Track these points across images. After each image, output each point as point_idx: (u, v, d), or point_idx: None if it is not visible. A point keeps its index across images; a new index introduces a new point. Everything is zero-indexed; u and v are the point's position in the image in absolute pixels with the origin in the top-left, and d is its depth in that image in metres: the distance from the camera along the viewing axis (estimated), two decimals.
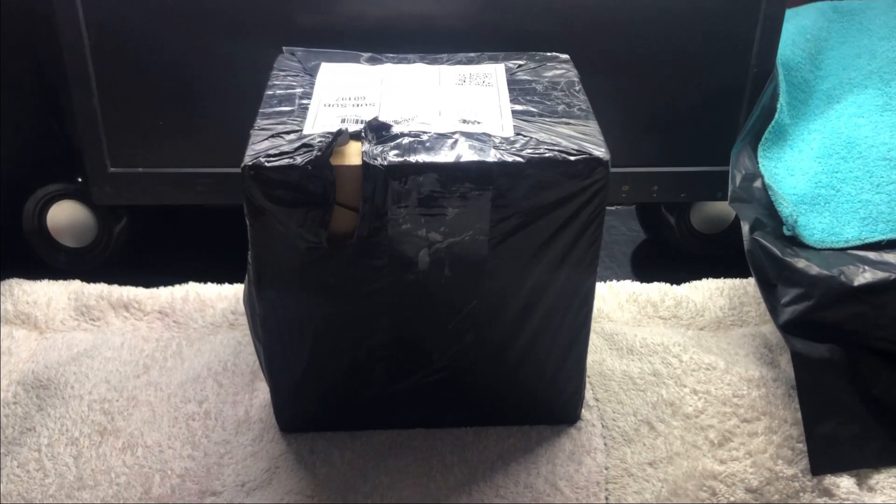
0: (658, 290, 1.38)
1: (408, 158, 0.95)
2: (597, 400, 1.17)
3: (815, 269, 1.12)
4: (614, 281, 1.42)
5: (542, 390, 1.13)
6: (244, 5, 1.25)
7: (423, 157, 0.95)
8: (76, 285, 1.39)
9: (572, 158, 0.96)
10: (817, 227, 1.21)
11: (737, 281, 1.39)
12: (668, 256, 1.54)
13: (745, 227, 1.20)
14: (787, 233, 1.19)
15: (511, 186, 0.96)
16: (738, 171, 1.29)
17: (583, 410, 1.16)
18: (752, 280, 1.38)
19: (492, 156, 0.95)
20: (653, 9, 1.28)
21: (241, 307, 1.34)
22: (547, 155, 0.96)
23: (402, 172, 0.95)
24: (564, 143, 0.98)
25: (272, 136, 0.98)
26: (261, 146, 0.96)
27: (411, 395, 1.12)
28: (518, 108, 1.05)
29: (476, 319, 1.05)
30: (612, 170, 0.97)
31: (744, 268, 1.40)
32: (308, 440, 1.13)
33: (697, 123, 1.37)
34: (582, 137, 0.99)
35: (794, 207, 1.21)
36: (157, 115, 1.32)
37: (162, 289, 1.39)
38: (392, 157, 0.95)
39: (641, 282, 1.42)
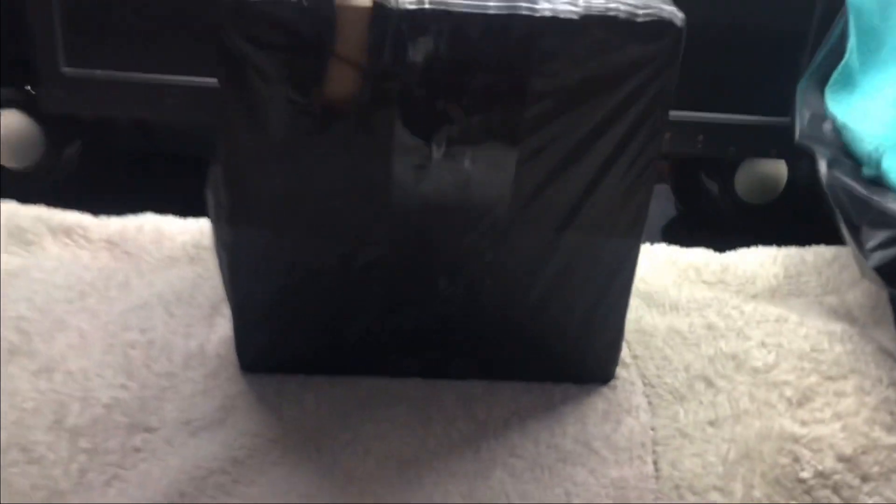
0: (701, 255, 1.17)
1: (431, 4, 0.75)
2: (635, 357, 0.95)
3: None
4: (647, 244, 1.21)
5: (570, 336, 0.91)
6: None
7: (451, 4, 0.75)
8: (10, 206, 1.16)
9: (638, 18, 0.76)
10: None
11: (792, 249, 1.18)
12: (709, 229, 1.33)
13: (822, 164, 1.01)
14: (868, 173, 1.00)
15: (559, 49, 0.76)
16: (805, 110, 1.10)
17: (618, 369, 0.94)
18: (811, 249, 1.17)
19: (540, 5, 0.75)
20: None
21: (206, 241, 1.12)
22: (609, 10, 0.76)
23: (423, 20, 0.74)
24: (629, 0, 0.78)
25: None
26: None
27: (409, 333, 0.90)
28: None
29: (498, 234, 0.84)
30: None
31: (800, 238, 1.20)
32: (275, 382, 0.90)
33: (754, 66, 1.19)
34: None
35: (874, 149, 1.01)
36: (124, 5, 1.12)
37: (114, 218, 1.17)
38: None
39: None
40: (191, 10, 1.10)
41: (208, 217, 0.87)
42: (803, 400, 0.85)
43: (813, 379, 0.87)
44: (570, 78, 0.76)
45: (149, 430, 0.82)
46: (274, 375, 0.91)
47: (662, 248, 1.19)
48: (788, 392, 0.85)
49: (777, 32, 1.17)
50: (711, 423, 0.83)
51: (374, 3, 0.74)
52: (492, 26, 0.74)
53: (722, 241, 1.25)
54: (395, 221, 0.83)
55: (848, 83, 1.15)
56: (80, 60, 1.14)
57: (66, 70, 1.14)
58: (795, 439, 0.80)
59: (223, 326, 0.97)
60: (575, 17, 0.75)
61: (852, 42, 1.17)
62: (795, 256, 1.17)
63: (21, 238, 1.11)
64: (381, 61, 0.74)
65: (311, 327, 0.90)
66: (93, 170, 1.30)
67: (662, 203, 1.46)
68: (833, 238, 1.20)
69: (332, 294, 0.87)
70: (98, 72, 1.15)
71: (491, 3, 0.75)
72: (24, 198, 1.20)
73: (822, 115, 1.09)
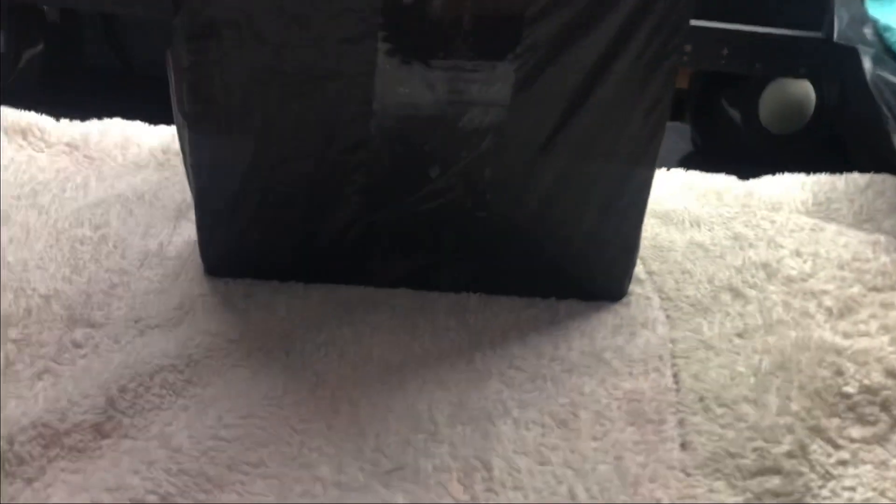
0: (722, 181, 1.06)
1: None
2: (650, 273, 0.84)
3: None
4: (662, 169, 1.09)
5: (577, 245, 0.80)
6: None
7: None
8: None
9: None
10: None
11: (822, 176, 1.07)
12: (731, 163, 1.21)
13: (867, 62, 0.91)
14: None
15: None
16: (844, 12, 1.00)
17: (631, 286, 0.83)
18: (842, 176, 1.06)
19: None
20: None
21: (176, 146, 1.01)
22: None
23: None
24: None
25: None
26: None
27: (396, 232, 0.79)
28: None
29: (499, 119, 0.73)
30: None
31: (830, 165, 1.09)
32: (242, 286, 0.79)
33: None
34: None
35: None
36: None
37: (76, 122, 1.06)
38: None
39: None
40: None
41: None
42: (845, 311, 0.74)
43: (856, 289, 0.76)
44: None
45: (92, 325, 0.71)
46: (242, 280, 0.80)
47: (679, 172, 1.08)
48: (828, 302, 0.74)
49: None
50: (740, 335, 0.72)
51: None
52: None
53: (745, 173, 1.14)
54: (383, 90, 0.72)
55: None
56: None
57: None
58: (838, 351, 0.69)
59: (188, 230, 0.86)
60: None
61: None
62: (826, 183, 1.05)
63: None
64: None
65: (284, 224, 0.79)
66: (56, 78, 1.19)
67: (680, 140, 1.34)
68: (865, 169, 1.09)
69: (306, 185, 0.76)
70: None
71: None
72: None
73: (862, 18, 0.99)
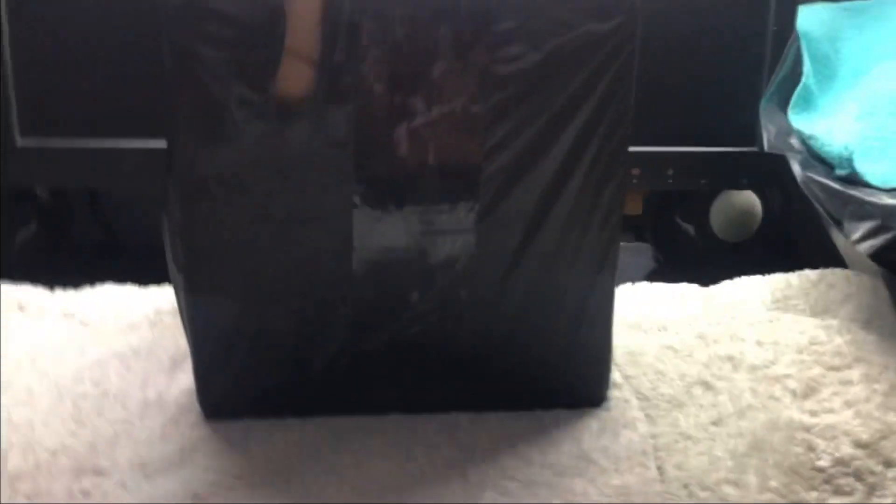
0: (685, 289, 1.12)
1: None
2: (626, 377, 0.89)
3: (887, 200, 0.90)
4: (629, 283, 1.16)
5: (554, 354, 0.85)
6: None
7: None
8: None
9: None
10: (877, 171, 1.00)
11: (777, 275, 1.14)
12: (692, 274, 1.29)
13: (796, 166, 0.99)
14: (841, 172, 0.98)
15: (514, 32, 0.74)
16: (770, 126, 1.10)
17: (609, 391, 0.87)
18: (795, 273, 1.13)
19: None
20: None
21: (168, 307, 1.06)
22: None
23: (375, 9, 0.73)
24: None
25: None
26: None
27: (383, 359, 0.83)
28: None
29: (470, 238, 0.80)
30: None
31: (783, 265, 1.17)
32: (241, 425, 0.82)
33: (715, 95, 1.19)
34: None
35: (843, 147, 1.00)
36: (77, 71, 1.11)
37: (70, 290, 1.11)
38: None
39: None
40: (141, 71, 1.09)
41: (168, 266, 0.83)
42: (808, 391, 0.78)
43: (816, 371, 0.81)
44: (530, 61, 0.74)
45: (99, 473, 0.74)
46: (240, 420, 0.83)
47: (645, 285, 1.15)
48: (792, 385, 0.79)
49: (734, 57, 1.18)
50: (715, 423, 0.77)
51: None
52: (447, 10, 0.73)
53: (705, 280, 1.21)
54: (362, 228, 0.78)
55: (809, 104, 1.15)
56: (35, 130, 1.12)
57: (23, 144, 1.12)
58: (806, 428, 0.74)
59: (184, 380, 0.90)
60: None
61: (808, 67, 1.18)
62: (781, 281, 1.13)
63: None
64: (336, 53, 0.72)
65: (277, 363, 0.83)
66: (49, 253, 1.25)
67: (642, 259, 1.42)
68: (816, 265, 1.17)
69: (295, 324, 0.82)
70: (55, 141, 1.12)
71: None
72: None
73: (787, 131, 1.09)
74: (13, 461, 0.73)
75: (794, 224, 1.22)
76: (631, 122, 0.78)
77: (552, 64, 0.75)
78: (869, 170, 1.00)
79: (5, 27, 1.08)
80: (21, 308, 1.07)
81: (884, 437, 0.73)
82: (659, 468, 0.73)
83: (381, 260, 0.80)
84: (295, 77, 0.73)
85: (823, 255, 1.14)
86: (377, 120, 0.75)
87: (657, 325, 0.98)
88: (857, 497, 0.69)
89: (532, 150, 0.77)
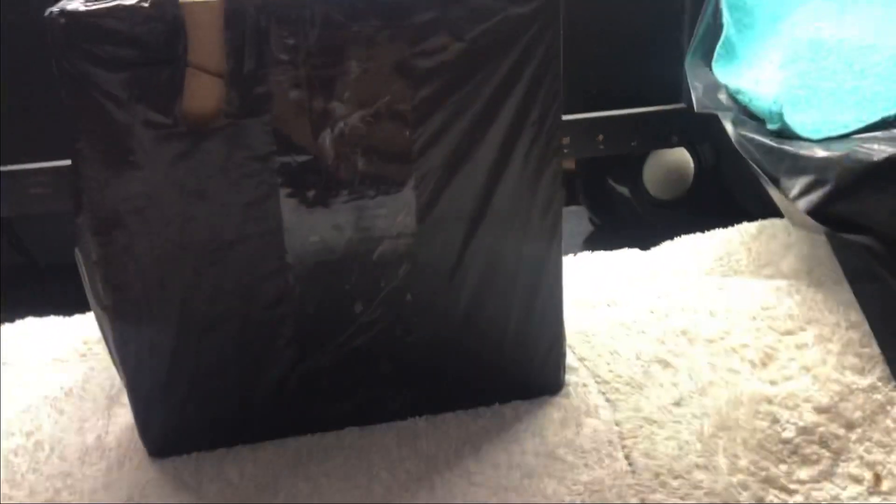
0: (627, 254, 1.11)
1: None
2: (581, 359, 0.87)
3: (821, 153, 0.89)
4: (570, 255, 1.14)
5: (507, 347, 0.82)
6: None
7: None
8: None
9: None
10: (807, 121, 0.99)
11: (717, 231, 1.14)
12: (629, 236, 1.28)
13: (728, 125, 0.98)
14: (772, 127, 0.97)
15: (434, 23, 0.70)
16: (697, 83, 1.08)
17: (566, 376, 0.86)
18: (734, 228, 1.13)
19: None
20: None
21: (97, 335, 1.00)
22: None
23: (282, 11, 0.68)
24: None
25: None
26: None
27: (333, 375, 0.80)
28: None
29: (409, 241, 0.76)
30: None
31: (721, 220, 1.16)
32: (190, 462, 0.78)
33: (639, 57, 1.17)
34: None
35: (773, 102, 0.99)
36: None
37: None
38: None
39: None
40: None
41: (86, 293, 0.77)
42: (766, 359, 0.78)
43: (771, 337, 0.80)
44: (454, 51, 0.71)
45: None
46: (189, 456, 0.79)
47: (586, 255, 1.13)
48: (750, 354, 0.79)
49: (654, 19, 1.16)
50: (677, 404, 0.76)
51: None
52: (361, 7, 0.68)
53: (646, 242, 1.20)
54: (294, 243, 0.74)
55: (731, 55, 1.14)
56: None
57: None
58: (769, 400, 0.73)
59: (123, 416, 0.85)
60: None
61: (727, 18, 1.17)
62: (721, 237, 1.12)
63: None
64: (244, 63, 0.67)
65: (221, 391, 0.79)
66: None
67: (579, 223, 1.41)
68: (753, 217, 1.17)
69: (235, 349, 0.77)
70: None
71: None
72: None
73: (714, 86, 1.07)
74: None
75: (728, 177, 1.22)
76: (561, 103, 0.75)
77: (477, 52, 0.71)
78: (798, 121, 0.99)
79: None
80: None
81: (843, 399, 0.73)
82: (627, 458, 0.72)
83: (319, 273, 0.76)
84: (203, 93, 0.68)
85: (760, 206, 1.14)
86: (298, 128, 0.71)
87: (605, 300, 0.96)
88: (823, 465, 0.69)
89: (465, 144, 0.74)
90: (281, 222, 0.73)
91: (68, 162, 0.70)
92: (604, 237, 1.33)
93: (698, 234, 1.13)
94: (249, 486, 0.74)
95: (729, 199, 1.24)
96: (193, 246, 0.73)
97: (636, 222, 1.29)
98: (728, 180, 1.23)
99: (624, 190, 1.28)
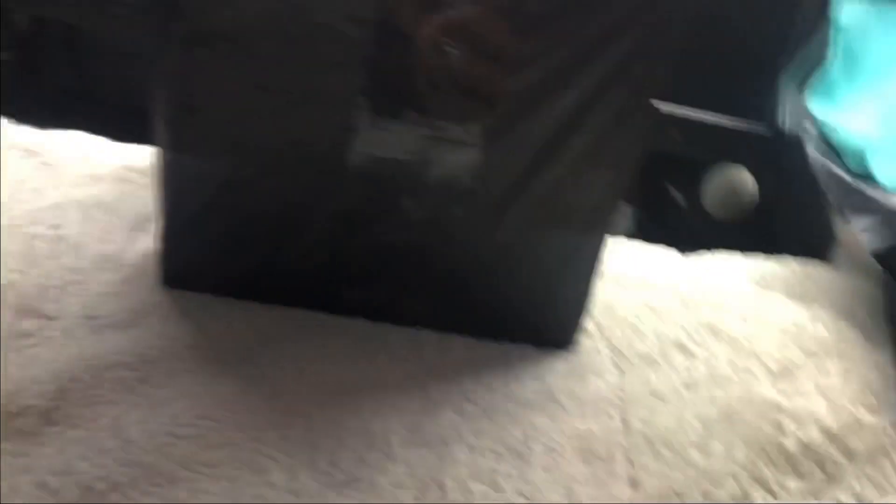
0: (665, 252, 1.10)
1: None
2: (599, 326, 0.87)
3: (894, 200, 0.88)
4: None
5: (536, 291, 0.82)
6: None
7: None
8: None
9: None
10: (891, 174, 0.98)
11: (758, 257, 1.12)
12: (666, 238, 1.26)
13: (810, 147, 0.97)
14: (852, 166, 0.96)
15: None
16: (787, 102, 1.07)
17: (581, 337, 0.85)
18: (779, 259, 1.12)
19: None
20: None
21: (140, 164, 1.00)
22: None
23: None
24: None
25: None
26: None
27: (361, 262, 0.79)
28: None
29: (475, 158, 0.75)
30: None
31: (760, 247, 1.15)
32: (200, 298, 0.78)
33: (736, 66, 1.16)
34: None
35: (860, 142, 0.98)
36: None
37: (33, 129, 1.04)
38: None
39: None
40: None
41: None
42: (785, 372, 0.77)
43: (795, 353, 0.79)
44: None
45: (43, 316, 0.69)
46: (200, 294, 0.79)
47: (625, 241, 1.12)
48: (770, 363, 0.78)
49: (760, 34, 1.14)
50: (687, 387, 0.75)
51: None
52: None
53: (681, 250, 1.19)
54: (360, 132, 0.74)
55: (828, 92, 1.12)
56: None
57: None
58: (779, 408, 0.73)
59: (145, 242, 0.85)
60: None
61: (834, 56, 1.16)
62: (762, 263, 1.11)
63: None
64: None
65: (250, 242, 0.79)
66: (20, 89, 1.18)
67: (620, 218, 1.40)
68: (794, 253, 1.15)
69: (277, 206, 0.77)
70: None
71: None
72: None
73: (803, 111, 1.06)
74: None
75: (784, 209, 1.21)
76: (666, 80, 0.74)
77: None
78: (882, 171, 0.98)
79: None
80: None
81: (851, 431, 0.72)
82: (623, 420, 0.71)
83: (377, 159, 0.75)
84: None
85: (802, 246, 1.12)
86: (405, 2, 0.70)
87: (637, 282, 0.95)
88: (815, 483, 0.68)
89: (557, 79, 0.73)
90: (356, 97, 0.72)
91: None
92: (642, 236, 1.32)
93: (738, 254, 1.12)
94: (252, 336, 0.74)
95: (773, 230, 1.23)
96: (269, 90, 0.72)
97: (678, 229, 1.27)
98: (782, 212, 1.21)
99: (679, 197, 1.27)
